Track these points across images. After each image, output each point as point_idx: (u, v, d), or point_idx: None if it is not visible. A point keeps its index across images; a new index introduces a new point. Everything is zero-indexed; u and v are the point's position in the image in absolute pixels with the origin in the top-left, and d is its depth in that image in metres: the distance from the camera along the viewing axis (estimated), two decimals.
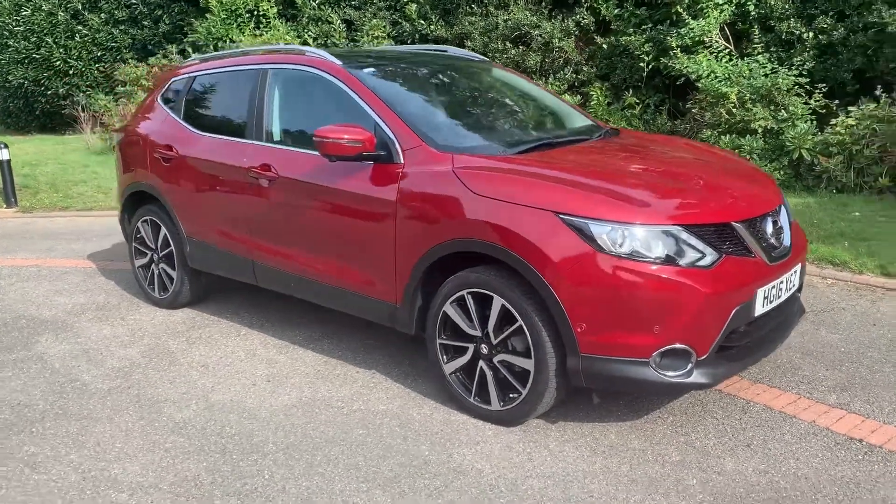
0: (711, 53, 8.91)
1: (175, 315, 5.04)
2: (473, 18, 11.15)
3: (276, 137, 4.25)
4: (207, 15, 13.40)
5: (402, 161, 3.57)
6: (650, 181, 3.37)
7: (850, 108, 7.89)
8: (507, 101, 4.64)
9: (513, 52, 10.62)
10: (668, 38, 9.00)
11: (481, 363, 3.39)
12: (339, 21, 12.60)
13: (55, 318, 5.02)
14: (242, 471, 3.11)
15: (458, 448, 3.23)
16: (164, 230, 5.00)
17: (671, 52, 8.99)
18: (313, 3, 13.03)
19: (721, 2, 8.91)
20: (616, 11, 9.99)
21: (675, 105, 9.71)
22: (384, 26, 12.02)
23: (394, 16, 12.27)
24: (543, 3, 10.74)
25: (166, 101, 5.12)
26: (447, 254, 3.39)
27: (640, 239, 2.96)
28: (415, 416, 3.53)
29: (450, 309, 3.43)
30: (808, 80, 8.25)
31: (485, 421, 3.43)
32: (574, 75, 10.33)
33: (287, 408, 3.66)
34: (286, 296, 4.40)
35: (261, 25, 13.34)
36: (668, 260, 2.97)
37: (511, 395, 3.32)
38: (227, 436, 3.41)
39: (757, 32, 8.95)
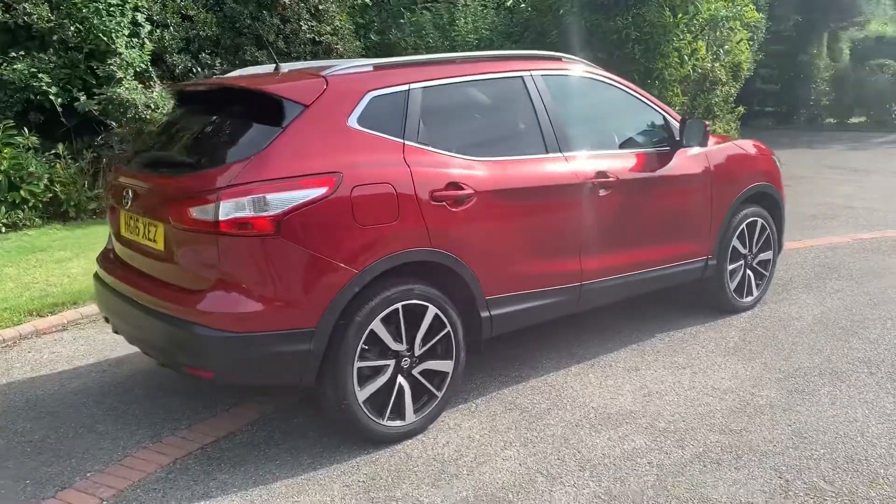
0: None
1: (475, 426, 3.60)
2: None
3: (583, 143, 4.16)
4: None
5: None
6: None
7: None
8: None
9: None
10: (111, 69, 8.21)
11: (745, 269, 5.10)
12: None
13: None
14: None
15: None
16: (434, 311, 3.44)
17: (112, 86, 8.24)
18: None
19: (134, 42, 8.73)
20: None
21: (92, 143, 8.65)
22: None
23: None
24: None
25: (373, 125, 3.29)
26: (745, 197, 4.87)
27: None
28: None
29: (735, 242, 4.91)
30: None
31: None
32: None
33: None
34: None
35: None
36: None
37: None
38: None
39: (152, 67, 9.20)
